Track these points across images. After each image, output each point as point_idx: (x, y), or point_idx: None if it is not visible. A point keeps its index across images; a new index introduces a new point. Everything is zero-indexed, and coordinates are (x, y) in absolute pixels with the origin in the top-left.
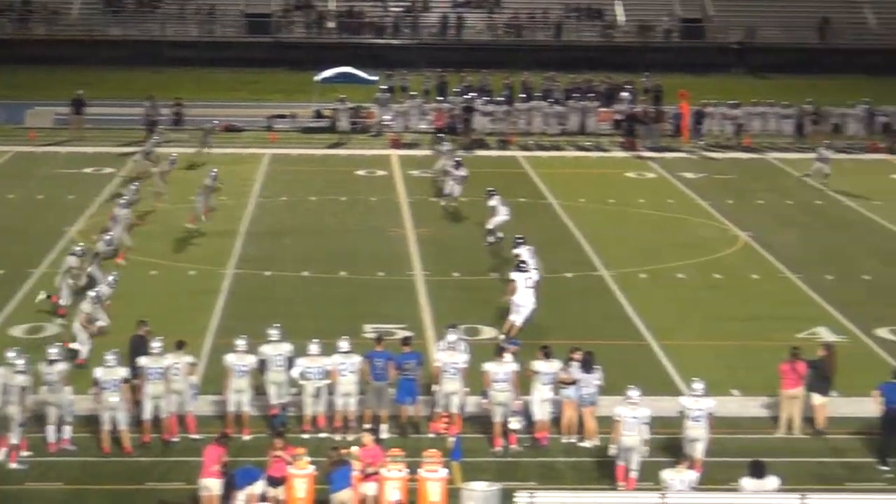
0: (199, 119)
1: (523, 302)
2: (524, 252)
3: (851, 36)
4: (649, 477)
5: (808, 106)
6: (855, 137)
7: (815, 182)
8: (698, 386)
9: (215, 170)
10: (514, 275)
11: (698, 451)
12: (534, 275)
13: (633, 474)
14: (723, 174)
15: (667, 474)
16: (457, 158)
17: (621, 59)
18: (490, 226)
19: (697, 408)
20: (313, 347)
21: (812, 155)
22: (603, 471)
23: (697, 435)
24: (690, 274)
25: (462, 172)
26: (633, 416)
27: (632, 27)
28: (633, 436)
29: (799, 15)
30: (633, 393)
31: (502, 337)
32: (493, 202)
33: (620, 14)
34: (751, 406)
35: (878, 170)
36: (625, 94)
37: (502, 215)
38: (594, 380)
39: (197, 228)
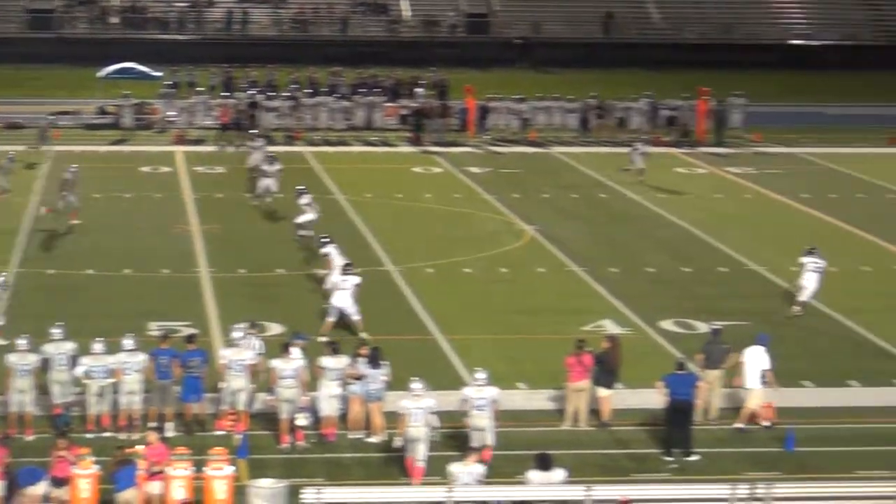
0: None
1: (341, 303)
2: (332, 251)
3: (635, 30)
4: (437, 471)
5: (592, 100)
6: (639, 131)
7: (634, 173)
8: (481, 376)
9: (75, 166)
10: (335, 278)
11: (486, 439)
12: (354, 279)
13: (421, 464)
14: (508, 168)
15: (454, 468)
16: (270, 154)
17: (407, 54)
18: (299, 223)
19: (480, 397)
20: (97, 346)
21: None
22: (390, 466)
23: (482, 424)
24: (477, 268)
25: (277, 167)
26: (418, 408)
27: (417, 22)
28: (419, 427)
29: (583, 10)
30: (416, 385)
31: (364, 335)
32: (304, 200)
33: (406, 9)
34: (537, 399)
35: (663, 163)
36: (418, 90)
37: (311, 213)
38: (381, 375)
39: (75, 224)
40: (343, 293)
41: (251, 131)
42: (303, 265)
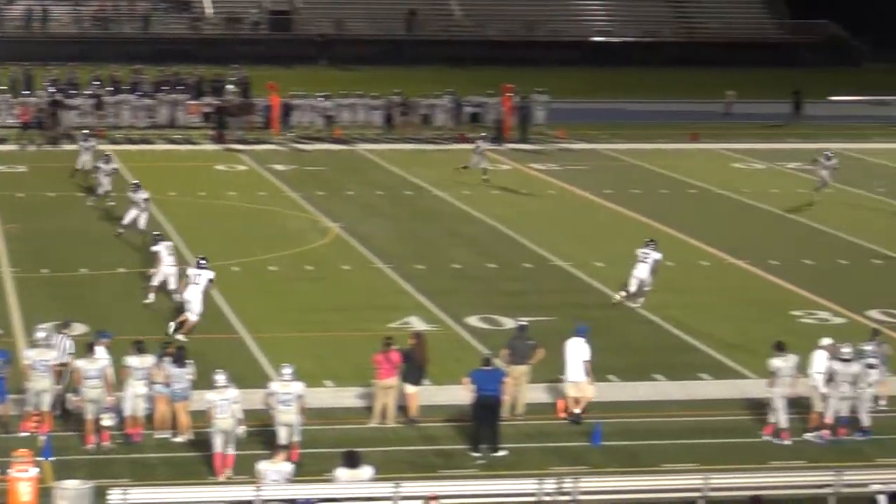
0: None
1: (193, 298)
2: (162, 248)
3: (438, 27)
4: (245, 469)
5: (396, 97)
6: (443, 128)
7: (478, 172)
8: (287, 371)
9: None
10: (189, 271)
11: (292, 435)
12: (208, 273)
13: (231, 451)
14: (313, 166)
15: (262, 466)
16: (106, 154)
17: (210, 51)
18: (126, 220)
19: (286, 392)
20: None
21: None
22: (197, 465)
23: (289, 420)
24: (282, 266)
25: (112, 166)
26: (223, 399)
27: (220, 19)
28: (226, 418)
29: (386, 7)
30: (220, 377)
31: (178, 335)
32: (142, 195)
33: (208, 6)
34: (344, 397)
35: (467, 159)
36: (229, 87)
37: (144, 210)
38: (187, 374)
39: None
40: (195, 288)
41: (83, 131)
42: (107, 265)
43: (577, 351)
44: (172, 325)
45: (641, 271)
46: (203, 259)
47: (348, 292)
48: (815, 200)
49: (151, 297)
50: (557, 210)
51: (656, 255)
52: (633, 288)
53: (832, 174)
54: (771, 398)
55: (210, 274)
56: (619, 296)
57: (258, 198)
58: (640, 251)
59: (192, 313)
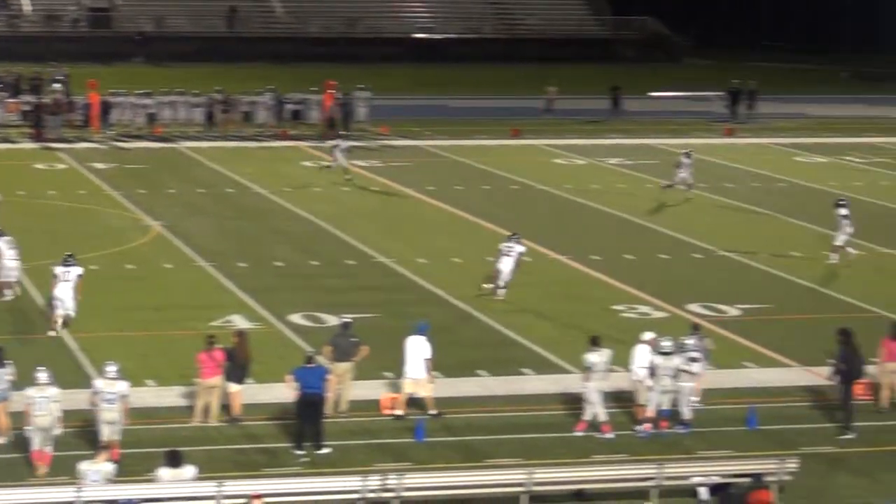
0: None
1: (63, 295)
2: (2, 243)
3: (258, 24)
4: (66, 470)
5: (217, 94)
6: (265, 125)
7: (339, 171)
8: (111, 369)
9: None
10: (57, 269)
11: (113, 433)
12: (77, 269)
13: (48, 449)
14: (134, 164)
15: (84, 466)
16: None
17: (29, 48)
18: None
19: (110, 391)
20: None
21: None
22: (17, 467)
23: (112, 418)
24: (103, 265)
25: None
26: (43, 396)
27: (39, 17)
28: (45, 415)
29: (206, 4)
30: (42, 374)
31: (52, 333)
32: None
33: (27, 4)
34: (166, 396)
35: (289, 157)
36: (56, 86)
37: None
38: (6, 375)
39: None
40: (66, 285)
41: None
42: None
43: (417, 348)
44: (59, 322)
45: (505, 264)
46: (70, 256)
47: (170, 291)
48: (688, 198)
49: (9, 294)
50: (380, 207)
51: (520, 248)
52: (500, 281)
53: (691, 172)
54: (586, 393)
55: (79, 269)
56: (484, 286)
57: (78, 196)
58: (503, 245)
59: (70, 310)
